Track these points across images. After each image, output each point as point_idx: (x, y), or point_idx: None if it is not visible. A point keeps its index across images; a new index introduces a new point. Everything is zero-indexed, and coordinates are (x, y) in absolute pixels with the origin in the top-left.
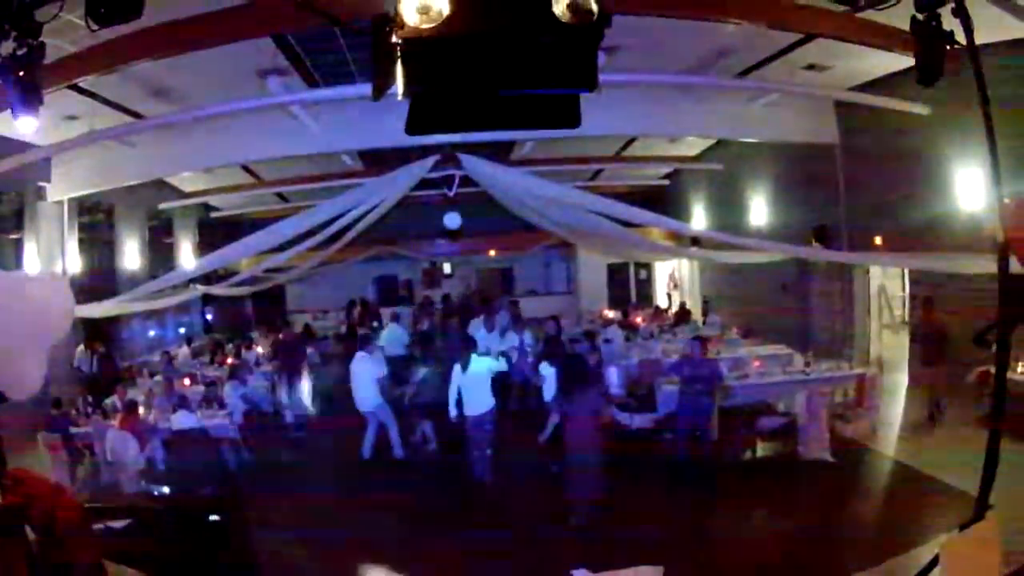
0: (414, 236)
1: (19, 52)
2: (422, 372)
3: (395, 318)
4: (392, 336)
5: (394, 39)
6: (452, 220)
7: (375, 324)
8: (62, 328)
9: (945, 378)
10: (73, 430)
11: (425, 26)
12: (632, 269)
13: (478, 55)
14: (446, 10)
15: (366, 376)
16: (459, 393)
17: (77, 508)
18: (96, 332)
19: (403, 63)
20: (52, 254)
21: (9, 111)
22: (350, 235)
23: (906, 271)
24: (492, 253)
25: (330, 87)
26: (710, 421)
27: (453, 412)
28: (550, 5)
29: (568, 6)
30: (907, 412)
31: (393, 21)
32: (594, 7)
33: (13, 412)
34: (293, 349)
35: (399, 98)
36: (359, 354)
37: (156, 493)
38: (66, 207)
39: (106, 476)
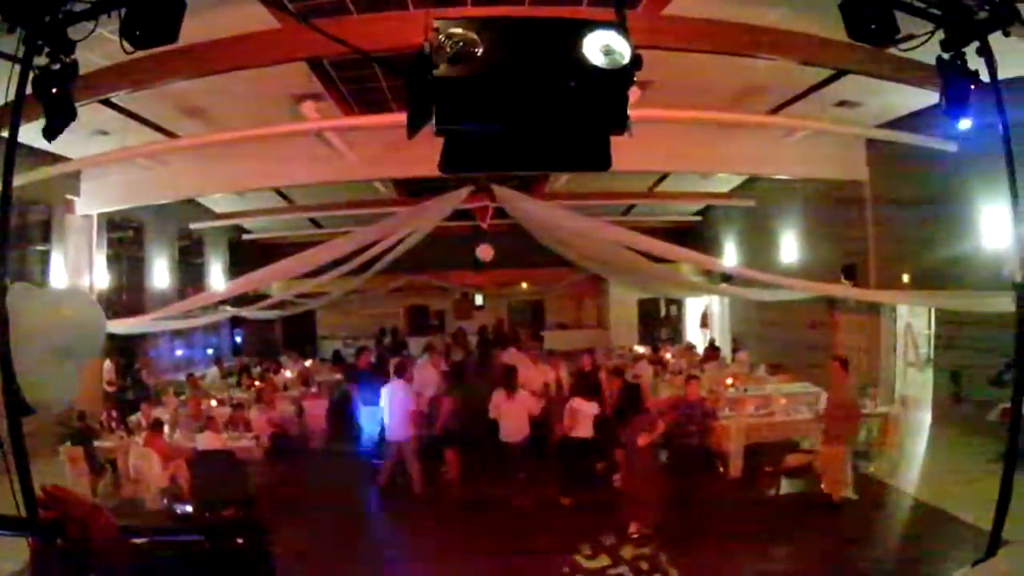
0: (446, 266)
1: (52, 67)
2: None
3: (428, 348)
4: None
5: (429, 77)
6: (485, 252)
7: (404, 354)
8: (94, 347)
9: (845, 460)
10: (96, 444)
11: (459, 66)
12: (663, 304)
13: (510, 96)
14: (480, 51)
15: (399, 406)
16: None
17: (113, 527)
18: (123, 349)
19: (437, 102)
20: (79, 268)
21: (38, 122)
22: (382, 263)
23: (932, 309)
24: (524, 285)
25: (365, 114)
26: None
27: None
28: (580, 48)
29: (599, 49)
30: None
31: (428, 59)
32: (626, 51)
33: (34, 421)
34: (371, 376)
35: (433, 134)
36: (394, 381)
37: (179, 511)
38: (95, 221)
39: (127, 491)
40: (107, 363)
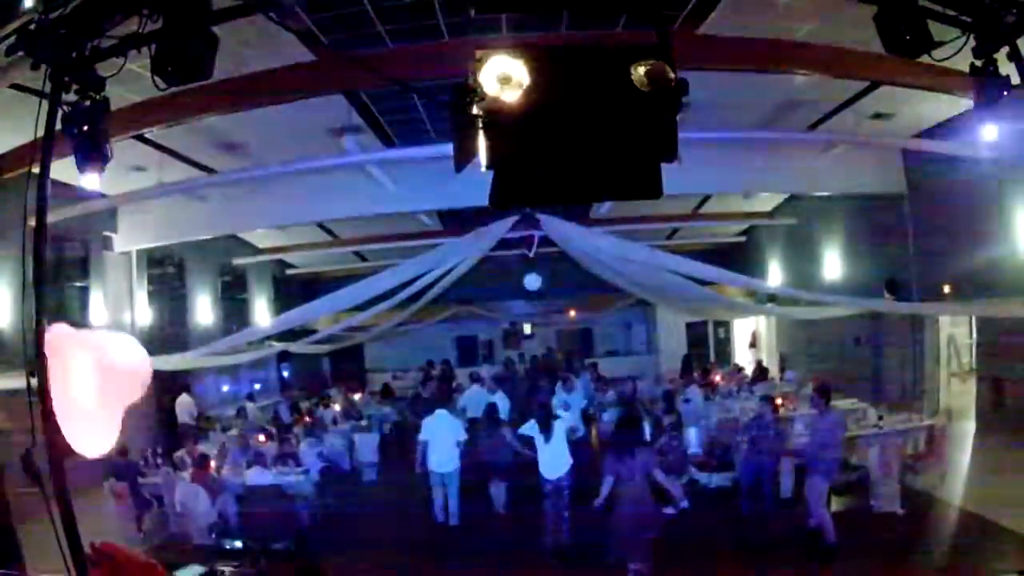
0: (494, 296)
1: (82, 105)
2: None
3: (475, 379)
4: (476, 399)
5: (475, 110)
6: (532, 281)
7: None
8: (136, 392)
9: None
10: (141, 480)
11: (506, 98)
12: (711, 328)
13: (559, 126)
14: (526, 81)
15: (447, 437)
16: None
17: None
18: (169, 385)
19: (485, 135)
20: (119, 304)
21: (73, 160)
22: (430, 295)
23: (973, 318)
24: (572, 314)
25: (406, 146)
26: (773, 480)
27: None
28: (627, 74)
29: (646, 74)
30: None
31: (473, 92)
32: (671, 75)
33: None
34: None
35: (483, 170)
36: (438, 412)
37: (227, 546)
38: (134, 258)
39: (173, 527)
40: (185, 397)
